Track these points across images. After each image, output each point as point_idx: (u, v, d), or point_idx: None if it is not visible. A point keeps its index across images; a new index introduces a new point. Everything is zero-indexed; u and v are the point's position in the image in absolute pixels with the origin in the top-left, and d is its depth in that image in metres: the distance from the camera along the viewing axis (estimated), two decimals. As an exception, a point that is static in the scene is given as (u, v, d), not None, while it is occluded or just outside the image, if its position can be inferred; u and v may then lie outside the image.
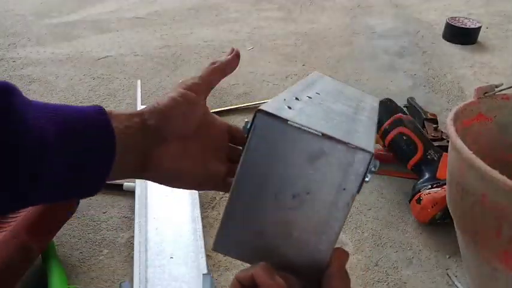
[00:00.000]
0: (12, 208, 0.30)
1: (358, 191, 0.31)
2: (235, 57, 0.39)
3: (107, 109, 0.33)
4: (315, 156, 0.30)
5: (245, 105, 1.02)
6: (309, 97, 0.37)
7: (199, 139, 0.37)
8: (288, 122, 0.30)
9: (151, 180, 0.36)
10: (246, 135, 0.31)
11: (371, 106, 0.43)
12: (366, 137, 0.32)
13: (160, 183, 0.36)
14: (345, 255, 0.32)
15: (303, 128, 0.30)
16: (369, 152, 0.30)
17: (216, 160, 0.39)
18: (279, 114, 0.30)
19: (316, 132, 0.30)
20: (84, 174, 0.31)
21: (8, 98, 0.28)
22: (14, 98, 0.29)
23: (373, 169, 0.31)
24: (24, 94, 0.30)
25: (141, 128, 0.34)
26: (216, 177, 0.38)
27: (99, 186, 0.33)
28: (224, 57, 0.39)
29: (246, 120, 0.31)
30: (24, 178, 0.28)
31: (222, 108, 1.01)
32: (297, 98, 0.35)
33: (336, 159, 0.30)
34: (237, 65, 0.40)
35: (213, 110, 0.97)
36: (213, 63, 0.38)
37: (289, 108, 0.32)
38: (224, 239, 0.32)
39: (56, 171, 0.29)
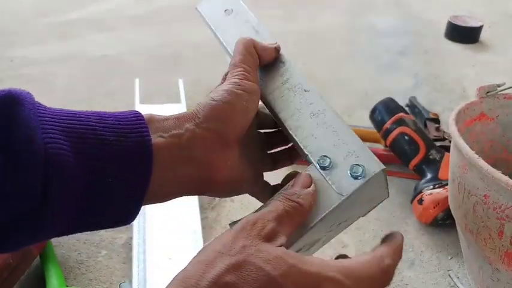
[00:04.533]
0: (24, 239, 0.25)
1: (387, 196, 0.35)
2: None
3: (146, 114, 0.29)
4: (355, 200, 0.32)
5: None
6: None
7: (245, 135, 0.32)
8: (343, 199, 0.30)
9: (211, 196, 0.32)
10: None
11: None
12: (364, 150, 0.32)
13: (218, 197, 0.33)
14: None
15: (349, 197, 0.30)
16: (382, 168, 0.31)
17: (255, 158, 0.35)
18: (342, 193, 0.30)
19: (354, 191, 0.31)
20: (106, 199, 0.27)
21: (14, 109, 0.25)
22: (20, 109, 0.25)
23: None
24: (36, 101, 0.26)
25: (196, 134, 0.29)
26: (257, 181, 0.35)
27: (130, 213, 0.28)
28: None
29: None
30: (29, 209, 0.24)
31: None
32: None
33: (372, 192, 0.33)
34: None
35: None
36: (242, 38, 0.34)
37: None
38: None
39: (70, 197, 0.25)
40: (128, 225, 0.73)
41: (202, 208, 0.74)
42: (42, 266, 0.61)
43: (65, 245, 0.66)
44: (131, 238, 0.67)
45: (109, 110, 0.29)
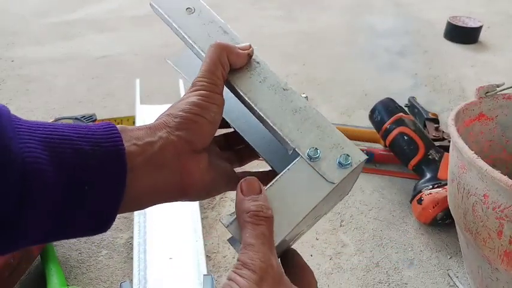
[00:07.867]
0: None
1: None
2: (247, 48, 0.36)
3: (119, 125, 0.29)
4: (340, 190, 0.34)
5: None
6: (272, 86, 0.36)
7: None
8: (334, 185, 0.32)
9: (188, 201, 0.33)
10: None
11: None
12: (347, 142, 0.34)
13: (196, 200, 0.34)
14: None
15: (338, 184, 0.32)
16: (366, 157, 0.33)
17: (222, 159, 0.37)
18: (328, 179, 0.32)
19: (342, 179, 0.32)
20: (83, 208, 0.27)
21: None
22: None
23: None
24: (12, 114, 0.26)
25: (168, 141, 0.30)
26: (231, 177, 0.36)
27: (105, 221, 0.29)
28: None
29: None
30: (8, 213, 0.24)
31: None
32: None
33: (347, 184, 0.35)
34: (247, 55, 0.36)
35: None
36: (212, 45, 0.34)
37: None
38: None
39: (46, 206, 0.25)
40: (128, 225, 0.73)
41: (203, 208, 0.74)
42: (43, 265, 0.61)
43: (65, 245, 0.66)
44: (132, 238, 0.67)
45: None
